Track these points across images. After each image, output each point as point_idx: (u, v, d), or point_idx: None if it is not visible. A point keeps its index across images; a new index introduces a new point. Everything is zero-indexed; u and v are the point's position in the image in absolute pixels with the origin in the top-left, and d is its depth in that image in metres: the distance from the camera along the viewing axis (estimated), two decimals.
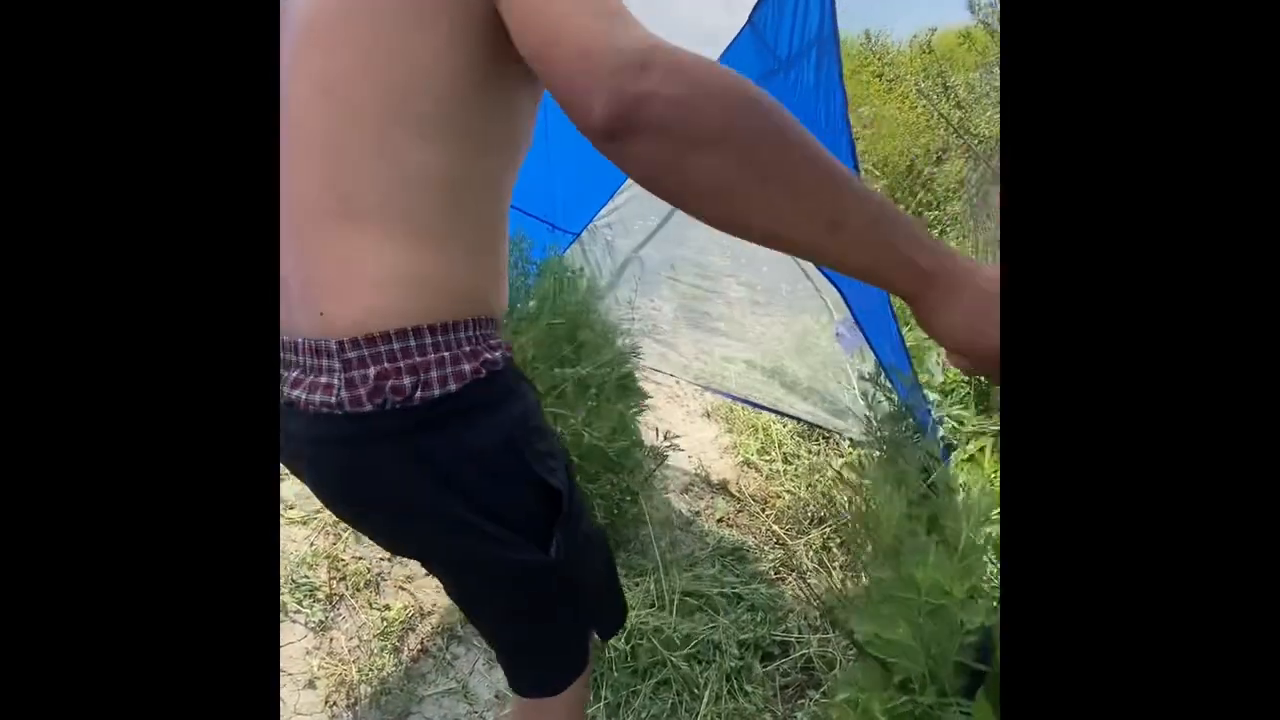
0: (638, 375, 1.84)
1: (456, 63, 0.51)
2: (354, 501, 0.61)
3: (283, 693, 1.15)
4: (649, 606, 1.43)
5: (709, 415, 2.36)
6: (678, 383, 2.47)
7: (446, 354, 0.54)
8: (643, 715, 1.24)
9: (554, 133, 1.93)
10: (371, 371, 0.52)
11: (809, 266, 1.93)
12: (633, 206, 2.18)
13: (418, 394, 0.53)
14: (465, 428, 0.56)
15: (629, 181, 2.02)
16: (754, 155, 0.41)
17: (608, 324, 1.86)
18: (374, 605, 1.34)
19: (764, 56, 1.50)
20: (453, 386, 0.54)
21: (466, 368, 0.55)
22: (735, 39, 1.48)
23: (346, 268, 0.53)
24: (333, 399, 0.53)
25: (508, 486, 0.59)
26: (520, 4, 0.46)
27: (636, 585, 1.49)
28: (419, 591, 1.40)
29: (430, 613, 1.36)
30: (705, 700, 1.27)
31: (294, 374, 0.57)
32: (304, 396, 0.55)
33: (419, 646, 1.30)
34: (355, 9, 0.51)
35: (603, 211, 2.14)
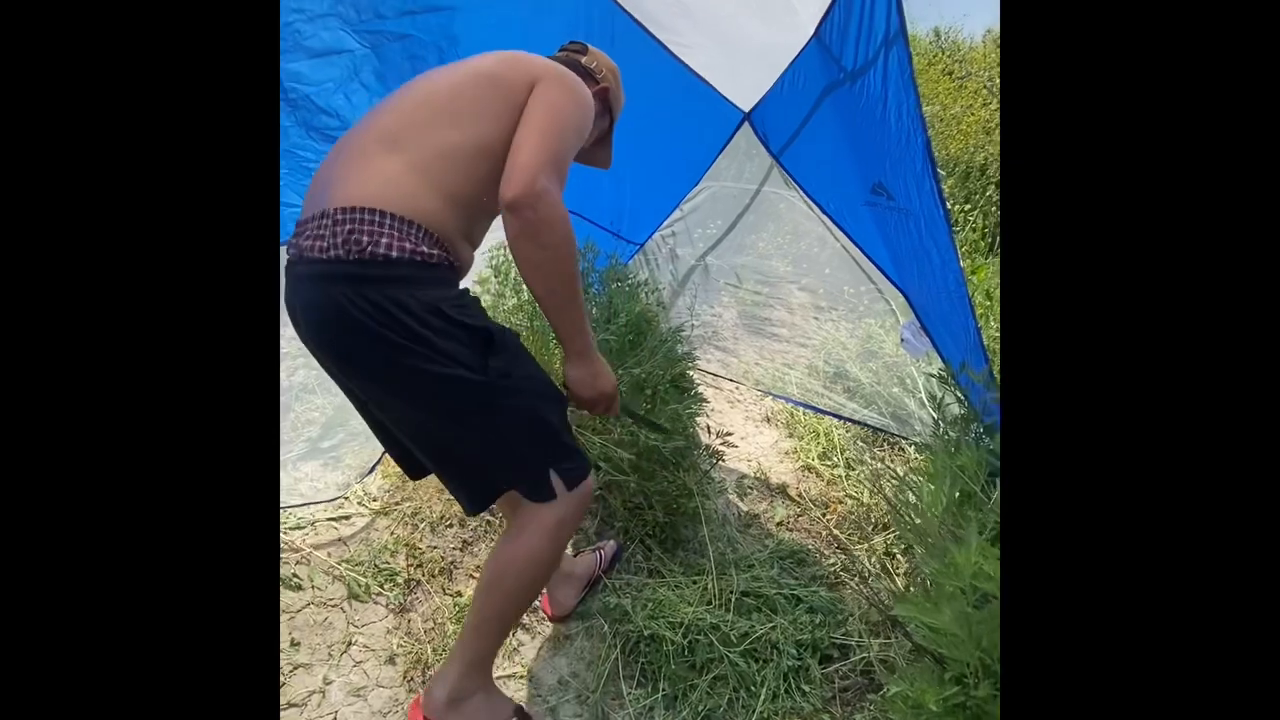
0: (697, 380, 1.88)
1: (504, 135, 0.88)
2: (327, 335, 0.85)
3: (365, 666, 1.25)
4: (706, 604, 1.45)
5: (769, 420, 2.36)
6: (738, 388, 2.48)
7: (397, 234, 0.81)
8: (699, 709, 1.27)
9: (621, 150, 2.02)
10: (346, 229, 0.80)
11: (873, 270, 1.91)
12: (695, 217, 2.22)
13: (368, 251, 0.79)
14: (401, 288, 0.81)
15: (694, 192, 2.08)
16: (551, 261, 0.84)
17: (667, 330, 1.91)
18: (447, 591, 1.43)
19: (830, 69, 1.52)
20: (394, 254, 0.80)
21: (408, 246, 0.81)
22: (800, 53, 1.51)
23: (372, 172, 0.83)
24: (317, 245, 0.81)
25: (439, 333, 0.82)
26: (524, 123, 0.88)
27: (694, 583, 1.52)
28: None
29: None
30: (762, 698, 1.28)
31: (305, 236, 0.84)
32: (304, 244, 0.83)
33: None
34: (487, 88, 0.91)
35: (666, 222, 2.19)
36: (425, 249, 0.82)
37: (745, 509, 1.88)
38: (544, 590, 1.09)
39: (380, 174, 0.83)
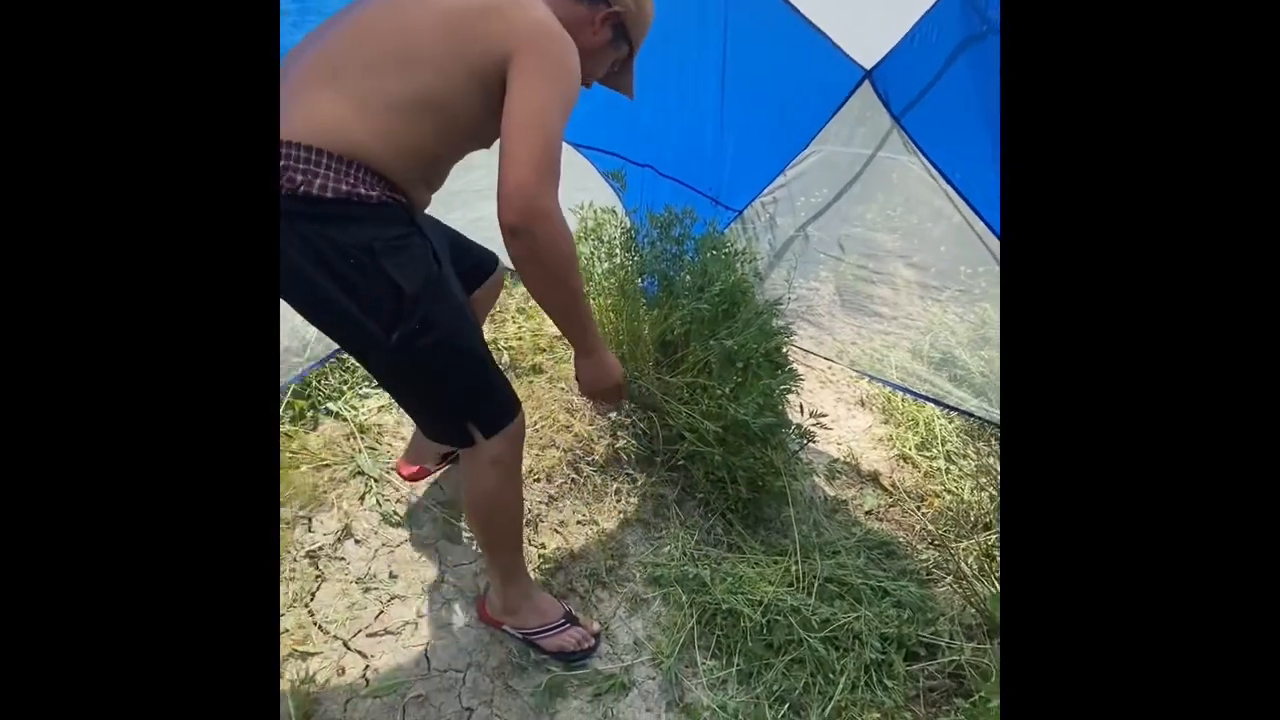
0: (790, 355, 1.81)
1: (468, 94, 0.84)
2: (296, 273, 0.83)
3: (455, 605, 1.33)
4: (787, 585, 1.42)
5: (864, 404, 2.25)
6: (831, 368, 2.38)
7: (333, 174, 0.78)
8: (774, 688, 1.25)
9: (729, 112, 1.93)
10: (281, 164, 0.76)
11: (996, 248, 1.74)
12: (799, 184, 2.10)
13: (300, 189, 0.76)
14: (334, 227, 0.79)
15: (800, 157, 1.97)
16: (556, 279, 0.86)
17: (762, 302, 1.84)
18: (532, 542, 1.48)
19: (970, 20, 1.37)
20: (328, 194, 0.77)
21: (344, 187, 0.78)
22: (937, 1, 1.37)
23: (312, 107, 0.79)
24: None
25: (364, 276, 0.81)
26: (509, 118, 0.79)
27: (775, 563, 1.49)
28: (571, 536, 1.52)
29: (580, 556, 1.48)
30: (840, 686, 1.24)
31: None
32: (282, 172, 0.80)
33: (567, 585, 1.42)
34: (443, 36, 0.82)
35: (768, 189, 2.10)
36: (362, 190, 0.79)
37: (833, 494, 1.81)
38: (508, 515, 1.12)
39: (320, 110, 0.78)
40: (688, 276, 1.79)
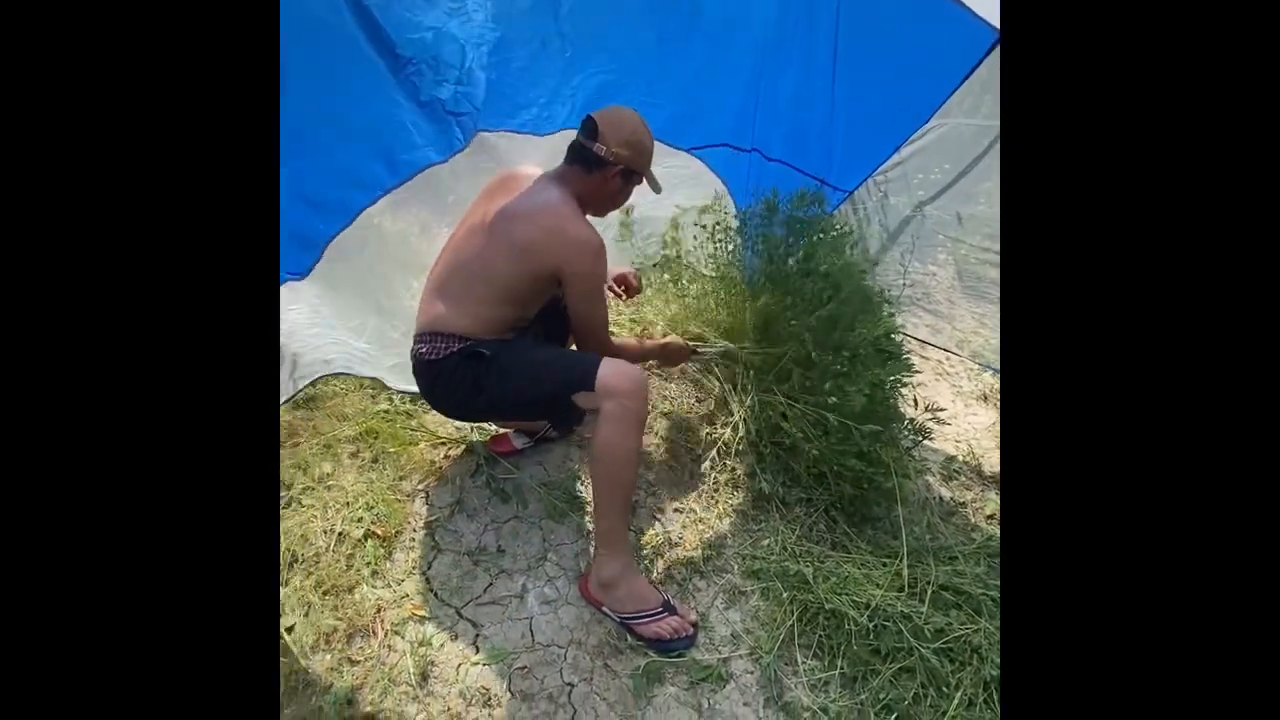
0: (903, 344, 1.69)
1: (532, 291, 1.33)
2: (432, 399, 1.38)
3: (557, 582, 1.37)
4: (897, 590, 1.34)
5: (986, 399, 2.06)
6: (949, 358, 2.20)
7: (441, 345, 1.29)
8: (881, 695, 1.19)
9: (841, 88, 1.83)
10: (419, 345, 1.32)
11: None
12: (917, 161, 1.95)
13: (427, 357, 1.30)
14: (446, 369, 1.29)
15: (921, 132, 1.83)
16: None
17: (873, 288, 1.73)
18: (630, 527, 1.50)
19: None
20: (439, 357, 1.29)
21: (441, 349, 1.29)
22: None
23: (435, 311, 1.31)
24: (415, 354, 1.33)
25: (461, 382, 1.30)
26: (575, 318, 1.37)
27: (884, 565, 1.41)
28: (668, 524, 1.52)
29: (677, 544, 1.48)
30: (956, 701, 1.16)
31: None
32: (415, 348, 1.34)
33: (665, 572, 1.42)
34: (515, 260, 1.29)
35: (883, 166, 1.96)
36: (455, 347, 1.29)
37: (950, 495, 1.68)
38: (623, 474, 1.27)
39: (436, 311, 1.31)
40: (791, 262, 1.72)
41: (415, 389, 1.43)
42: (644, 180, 1.40)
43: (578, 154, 1.33)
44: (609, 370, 1.25)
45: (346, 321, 1.60)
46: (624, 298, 1.74)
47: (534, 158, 1.59)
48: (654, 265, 2.28)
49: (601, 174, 1.32)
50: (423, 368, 1.31)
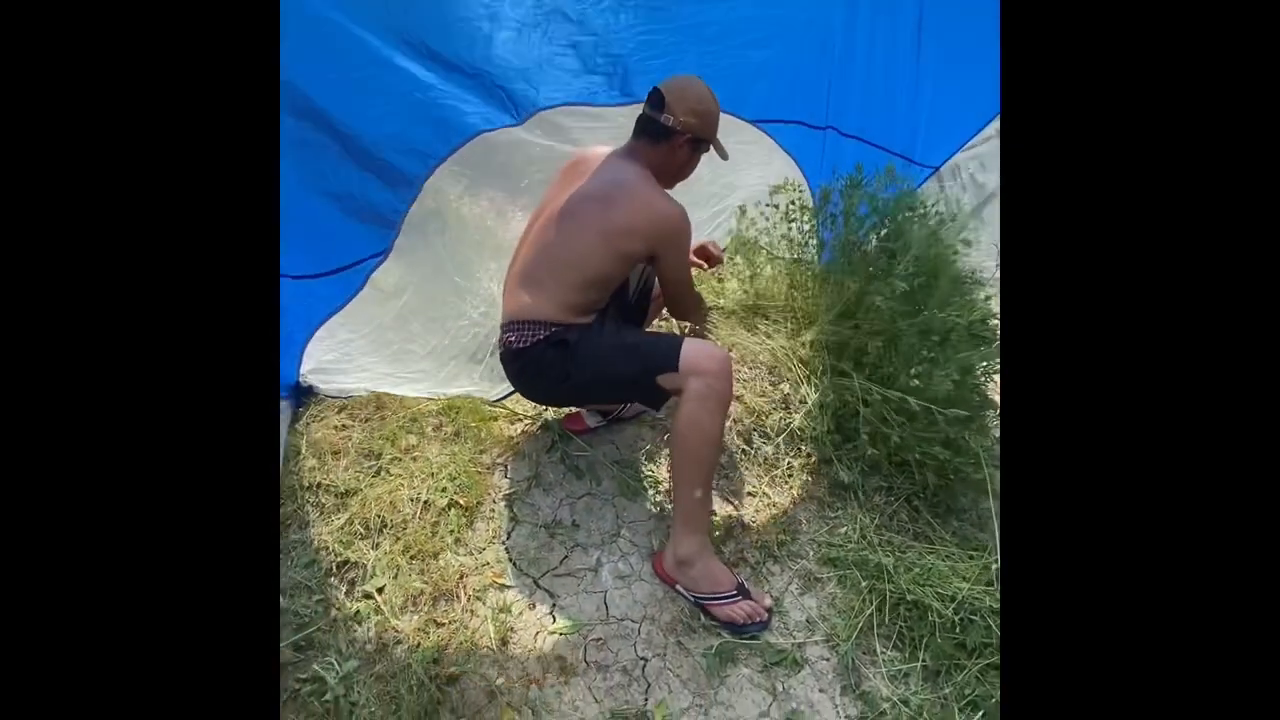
0: (996, 328, 1.59)
1: (605, 272, 1.33)
2: (521, 386, 1.42)
3: (630, 558, 1.39)
4: (986, 584, 1.27)
5: None
6: None
7: (529, 332, 1.31)
8: (966, 691, 1.14)
9: (927, 60, 1.73)
10: (506, 334, 1.35)
11: None
12: None
13: (515, 346, 1.32)
14: (533, 357, 1.31)
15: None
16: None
17: (963, 268, 1.63)
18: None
19: None
20: (526, 344, 1.31)
21: (529, 337, 1.30)
22: None
23: (522, 301, 1.32)
24: (504, 343, 1.36)
25: (549, 365, 1.31)
26: (666, 286, 1.46)
27: (971, 558, 1.34)
28: (742, 507, 1.51)
29: (750, 528, 1.46)
30: None
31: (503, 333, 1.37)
32: (503, 337, 1.36)
33: (738, 554, 1.41)
34: (602, 245, 1.30)
35: (971, 141, 1.85)
36: (542, 334, 1.30)
37: None
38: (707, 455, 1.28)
39: (522, 300, 1.32)
40: (874, 240, 1.65)
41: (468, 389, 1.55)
42: (711, 148, 1.41)
43: (645, 126, 1.35)
44: (693, 350, 1.25)
45: (431, 312, 1.67)
46: (705, 268, 1.73)
47: (600, 136, 1.59)
48: (724, 247, 2.25)
49: (669, 144, 1.34)
50: (511, 356, 1.34)
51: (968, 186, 1.96)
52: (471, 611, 1.26)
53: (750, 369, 1.87)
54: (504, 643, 1.22)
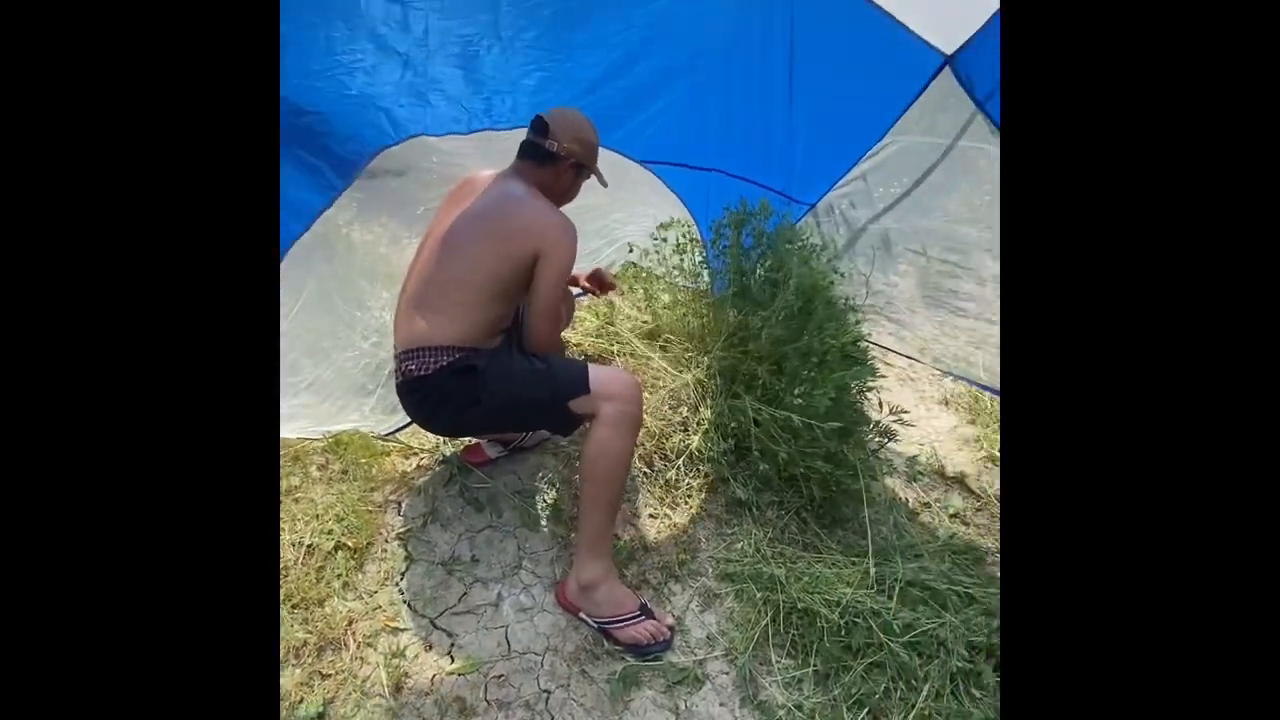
0: (869, 351, 1.75)
1: (503, 283, 1.29)
2: (421, 417, 1.36)
3: (533, 590, 1.37)
4: (867, 588, 1.37)
5: (948, 403, 2.14)
6: (912, 365, 2.28)
7: (430, 360, 1.26)
8: (853, 691, 1.21)
9: (799, 106, 1.90)
10: (403, 363, 1.29)
11: None
12: (876, 176, 2.04)
13: (415, 374, 1.27)
14: (436, 384, 1.26)
15: (876, 148, 1.91)
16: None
17: (839, 297, 1.79)
18: None
19: None
20: (429, 372, 1.26)
21: (431, 364, 1.26)
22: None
23: (417, 327, 1.28)
24: (402, 372, 1.30)
25: (452, 396, 1.27)
26: (541, 297, 1.31)
27: (854, 564, 1.44)
28: (644, 529, 1.54)
29: (653, 549, 1.49)
30: (924, 694, 1.19)
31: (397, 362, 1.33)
32: (401, 366, 1.30)
33: (640, 577, 1.43)
34: (499, 261, 1.29)
35: (842, 181, 2.05)
36: (445, 360, 1.26)
37: (914, 496, 1.74)
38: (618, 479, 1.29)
39: (417, 326, 1.28)
40: (760, 272, 1.77)
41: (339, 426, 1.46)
42: (592, 175, 1.47)
43: (529, 151, 1.39)
44: (605, 374, 1.28)
45: (315, 344, 1.59)
46: (598, 294, 1.77)
47: (494, 161, 1.59)
48: (616, 275, 2.33)
49: (554, 168, 1.38)
50: (413, 385, 1.28)
51: (839, 223, 2.15)
52: (362, 659, 1.19)
53: (650, 393, 1.93)
54: (398, 689, 1.15)
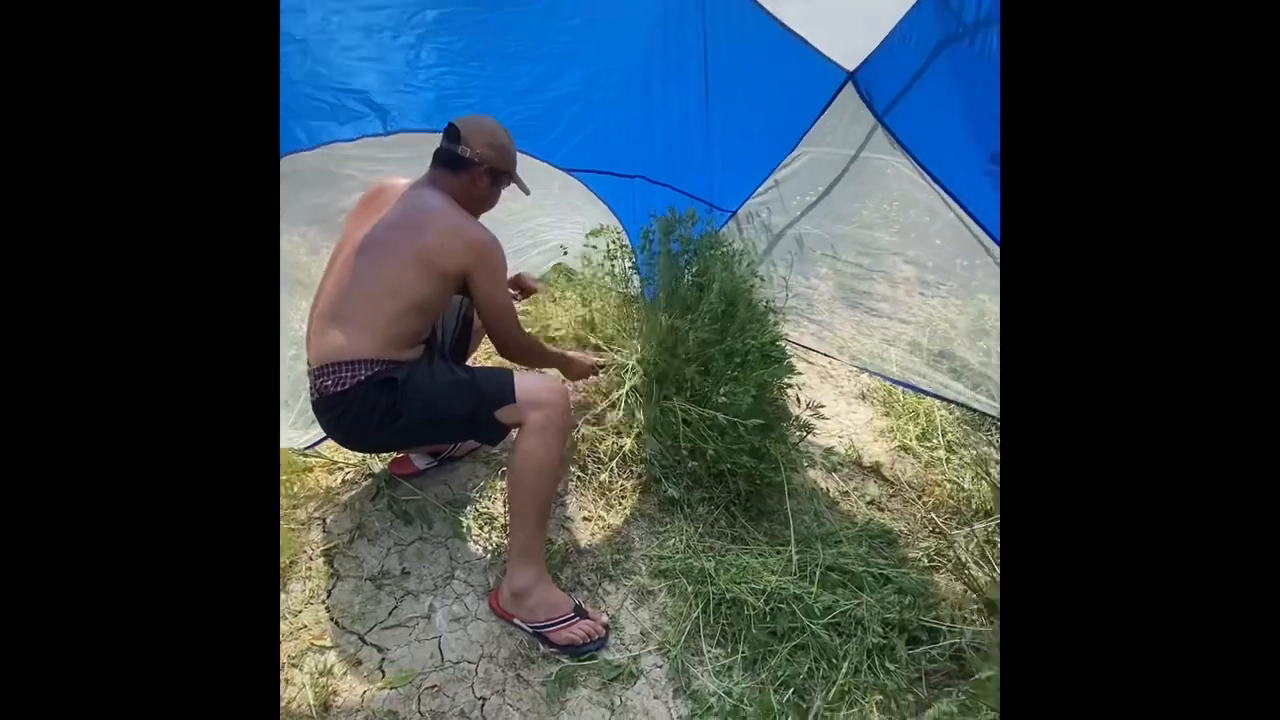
0: (788, 349, 1.84)
1: (424, 296, 1.26)
2: (340, 434, 1.30)
3: (466, 599, 1.37)
4: (790, 574, 1.44)
5: (865, 397, 2.27)
6: (831, 363, 2.41)
7: (348, 375, 1.22)
8: (778, 673, 1.27)
9: (715, 118, 1.98)
10: (319, 380, 1.24)
11: (991, 244, 1.77)
12: (791, 184, 2.15)
13: (331, 390, 1.22)
14: (356, 400, 1.22)
15: (789, 159, 2.02)
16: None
17: (760, 300, 1.88)
18: None
19: (946, 21, 1.42)
20: (345, 388, 1.21)
21: (347, 379, 1.21)
22: (915, 4, 1.42)
23: (338, 335, 1.23)
24: (317, 389, 1.25)
25: (372, 408, 1.22)
26: (484, 310, 1.36)
27: (778, 554, 1.52)
28: (577, 532, 1.56)
29: (586, 551, 1.51)
30: (843, 671, 1.27)
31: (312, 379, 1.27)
32: (317, 383, 1.25)
33: (574, 579, 1.45)
34: (421, 268, 1.26)
35: (760, 189, 2.14)
36: (363, 375, 1.22)
37: (834, 486, 1.84)
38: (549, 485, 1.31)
39: (333, 340, 1.23)
40: (688, 277, 1.83)
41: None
42: (512, 183, 1.46)
43: (443, 158, 1.37)
44: (531, 382, 1.28)
45: None
46: (520, 297, 1.78)
47: (403, 169, 1.58)
48: (544, 279, 2.35)
49: (469, 174, 1.37)
50: (330, 402, 1.22)
51: (761, 230, 2.25)
52: (287, 680, 1.15)
53: (584, 396, 1.95)
54: (325, 708, 1.13)
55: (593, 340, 2.01)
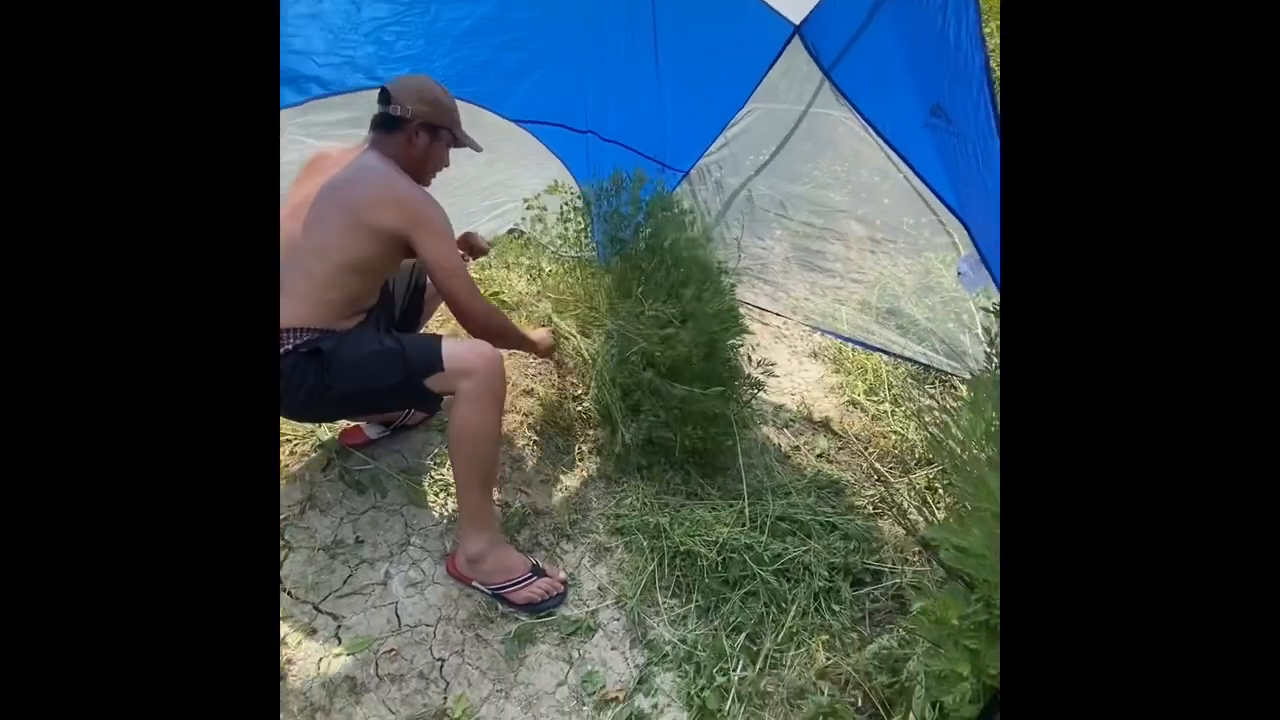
0: (743, 313, 1.86)
1: (356, 257, 1.23)
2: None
3: (422, 565, 1.37)
4: (741, 526, 1.49)
5: (816, 355, 2.33)
6: (785, 323, 2.45)
7: (294, 338, 1.19)
8: (731, 620, 1.33)
9: (665, 74, 1.94)
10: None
11: (935, 201, 1.81)
12: (742, 142, 2.14)
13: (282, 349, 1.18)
14: (283, 375, 1.18)
15: (739, 115, 2.00)
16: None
17: (713, 261, 1.88)
18: (496, 501, 1.53)
19: None
20: (287, 347, 1.19)
21: (287, 346, 1.19)
22: None
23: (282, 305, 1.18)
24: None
25: (304, 378, 1.20)
26: (434, 273, 1.28)
27: (730, 506, 1.56)
28: (535, 494, 1.57)
29: (544, 512, 1.53)
30: (792, 614, 1.33)
31: None
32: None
33: (533, 540, 1.47)
34: (351, 226, 1.23)
35: (711, 148, 2.13)
36: (290, 344, 1.19)
37: (786, 441, 1.89)
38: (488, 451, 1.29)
39: (285, 306, 1.20)
40: (642, 242, 1.82)
41: None
42: (459, 142, 1.42)
43: (378, 121, 1.35)
44: (458, 349, 1.25)
45: None
46: (469, 259, 1.74)
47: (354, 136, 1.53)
48: (499, 241, 2.31)
49: (403, 133, 1.34)
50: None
51: (715, 189, 2.25)
52: None
53: (541, 362, 1.94)
54: (280, 678, 1.13)
55: (545, 306, 1.99)
